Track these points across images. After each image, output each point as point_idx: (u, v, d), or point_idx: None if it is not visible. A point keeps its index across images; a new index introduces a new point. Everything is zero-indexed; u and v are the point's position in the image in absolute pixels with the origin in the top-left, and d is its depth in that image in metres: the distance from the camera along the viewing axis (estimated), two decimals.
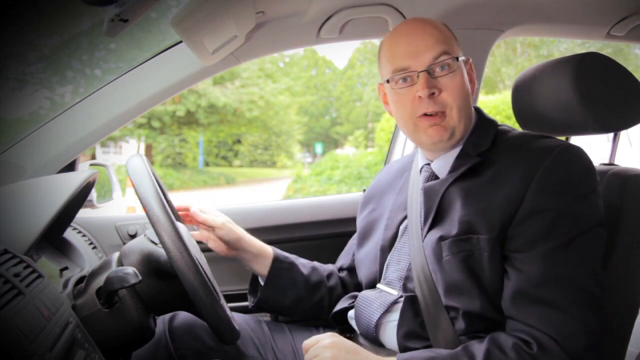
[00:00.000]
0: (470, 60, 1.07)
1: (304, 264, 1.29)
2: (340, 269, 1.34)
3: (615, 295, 0.97)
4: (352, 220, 1.70)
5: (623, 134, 1.20)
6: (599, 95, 1.04)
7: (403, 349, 1.00)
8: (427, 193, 1.04)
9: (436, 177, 1.06)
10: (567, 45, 13.27)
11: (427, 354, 0.90)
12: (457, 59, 1.00)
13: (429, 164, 1.08)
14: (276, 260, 1.24)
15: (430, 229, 1.01)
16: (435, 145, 1.02)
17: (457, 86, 0.99)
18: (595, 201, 0.91)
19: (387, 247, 1.12)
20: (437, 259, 0.96)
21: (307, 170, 15.57)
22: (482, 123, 1.06)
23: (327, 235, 1.76)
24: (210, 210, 1.25)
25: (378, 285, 1.11)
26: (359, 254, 1.22)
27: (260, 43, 1.43)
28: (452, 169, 1.03)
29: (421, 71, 0.98)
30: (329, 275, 1.30)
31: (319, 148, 22.67)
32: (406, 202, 1.12)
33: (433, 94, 0.98)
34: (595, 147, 1.03)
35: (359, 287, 1.23)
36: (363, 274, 1.18)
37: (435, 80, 0.98)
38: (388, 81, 1.03)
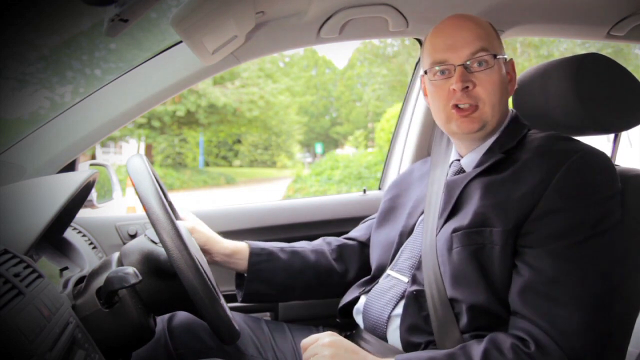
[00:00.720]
0: (512, 60, 1.08)
1: (284, 250, 1.28)
2: (350, 239, 1.36)
3: (615, 295, 0.97)
4: (352, 220, 1.70)
5: (623, 134, 1.20)
6: (600, 96, 1.04)
7: (406, 343, 1.01)
8: (449, 187, 1.06)
9: (463, 172, 1.08)
10: (567, 45, 13.26)
11: (425, 355, 0.90)
12: (495, 56, 1.01)
13: (458, 160, 1.11)
14: (253, 254, 1.24)
15: (445, 221, 1.02)
16: (465, 135, 1.04)
17: (493, 82, 1.01)
18: (613, 207, 0.92)
19: (406, 234, 1.15)
20: (448, 250, 0.98)
21: (307, 170, 15.57)
22: (515, 125, 1.07)
23: (327, 235, 1.76)
24: (183, 213, 1.25)
25: (388, 271, 1.13)
26: (376, 236, 1.24)
27: (260, 43, 1.43)
28: (477, 165, 1.05)
29: (458, 65, 1.00)
30: (315, 254, 1.30)
31: (319, 148, 22.68)
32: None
33: (467, 87, 1.00)
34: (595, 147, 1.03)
35: (358, 260, 1.29)
36: (376, 256, 1.20)
37: (471, 75, 1.01)
38: (426, 72, 1.06)
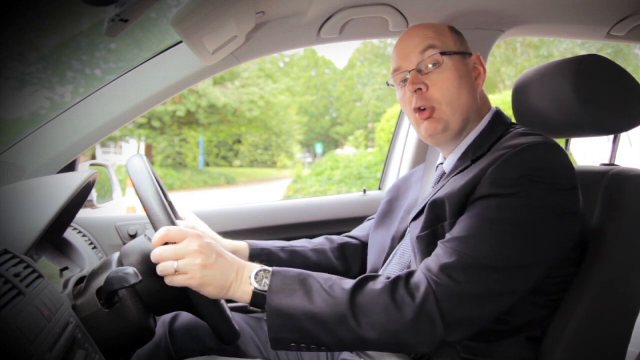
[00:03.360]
0: (477, 54, 1.08)
1: (285, 249, 1.28)
2: (352, 237, 1.37)
3: (614, 295, 0.97)
4: (352, 220, 1.70)
5: (623, 134, 1.20)
6: (599, 97, 1.04)
7: None
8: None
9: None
10: (567, 45, 13.26)
11: (299, 271, 0.90)
12: (445, 53, 1.02)
13: (442, 163, 1.11)
14: (252, 254, 1.24)
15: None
16: (432, 137, 1.05)
17: (446, 80, 1.02)
18: (556, 199, 0.87)
19: (397, 238, 1.15)
20: (420, 253, 0.98)
21: (307, 170, 15.56)
22: (494, 124, 1.05)
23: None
24: (183, 213, 1.25)
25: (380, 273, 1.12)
26: (372, 238, 1.25)
27: (260, 43, 1.43)
28: (452, 169, 1.04)
29: (411, 70, 1.03)
30: (316, 253, 1.30)
31: (319, 148, 22.67)
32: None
33: (420, 89, 1.02)
34: (596, 147, 1.03)
35: (360, 259, 1.30)
36: (371, 258, 1.21)
37: (424, 77, 1.02)
38: (389, 84, 1.11)
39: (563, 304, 0.96)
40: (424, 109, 1.03)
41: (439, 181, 1.08)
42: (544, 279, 0.92)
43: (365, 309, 0.84)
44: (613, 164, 1.14)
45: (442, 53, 1.02)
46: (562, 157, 0.91)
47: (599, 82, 1.04)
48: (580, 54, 1.09)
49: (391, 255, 1.14)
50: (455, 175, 1.00)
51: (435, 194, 0.99)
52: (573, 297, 0.96)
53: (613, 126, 1.07)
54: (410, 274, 0.88)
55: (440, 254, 0.88)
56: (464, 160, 1.02)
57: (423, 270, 0.88)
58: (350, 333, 0.83)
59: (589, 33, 1.64)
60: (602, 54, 1.08)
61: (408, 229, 1.11)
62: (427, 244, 0.96)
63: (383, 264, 1.14)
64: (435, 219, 0.96)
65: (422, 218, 0.99)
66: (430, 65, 1.02)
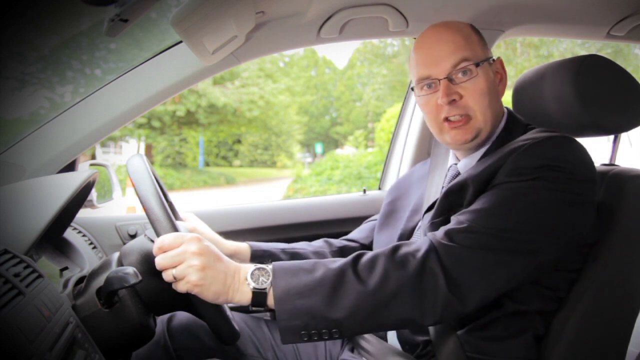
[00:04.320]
0: (500, 59, 1.08)
1: (286, 251, 1.27)
2: (351, 240, 1.36)
3: (614, 295, 0.97)
4: (352, 220, 1.70)
5: (623, 134, 1.20)
6: (600, 97, 1.04)
7: (404, 342, 1.02)
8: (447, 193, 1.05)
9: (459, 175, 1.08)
10: (567, 45, 13.25)
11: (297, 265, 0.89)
12: (478, 64, 1.00)
13: (456, 164, 1.11)
14: (254, 256, 1.23)
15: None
16: (459, 145, 1.05)
17: (479, 90, 1.00)
18: (573, 188, 0.88)
19: (405, 237, 1.15)
20: None
21: (307, 170, 15.56)
22: (510, 126, 1.06)
23: (327, 235, 1.76)
24: (184, 214, 1.25)
25: None
26: (377, 238, 1.25)
27: (260, 43, 1.43)
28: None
29: (442, 78, 1.00)
30: (316, 255, 1.29)
31: (319, 148, 22.66)
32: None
33: (454, 100, 1.00)
34: (596, 147, 1.03)
35: None
36: None
37: (456, 87, 1.00)
38: (413, 89, 1.08)
39: (563, 303, 0.96)
40: (455, 118, 1.01)
41: (453, 180, 1.08)
42: (552, 272, 0.92)
43: (367, 269, 0.84)
44: (613, 164, 1.14)
45: (476, 65, 1.00)
46: (581, 151, 0.93)
47: (600, 82, 1.04)
48: (580, 54, 1.09)
49: None
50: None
51: (450, 184, 1.00)
52: (573, 296, 0.96)
53: (613, 126, 1.07)
54: (412, 242, 0.89)
55: (450, 224, 0.90)
56: (484, 162, 1.01)
57: (428, 236, 0.89)
58: (354, 293, 0.82)
59: (589, 33, 1.64)
60: (602, 54, 1.08)
61: (419, 223, 1.12)
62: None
63: None
64: (449, 206, 0.97)
65: (435, 206, 1.01)
66: (461, 75, 1.00)
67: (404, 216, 1.20)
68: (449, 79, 1.00)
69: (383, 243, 1.21)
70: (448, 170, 1.13)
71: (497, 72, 1.06)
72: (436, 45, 1.03)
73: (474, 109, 1.00)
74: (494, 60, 1.06)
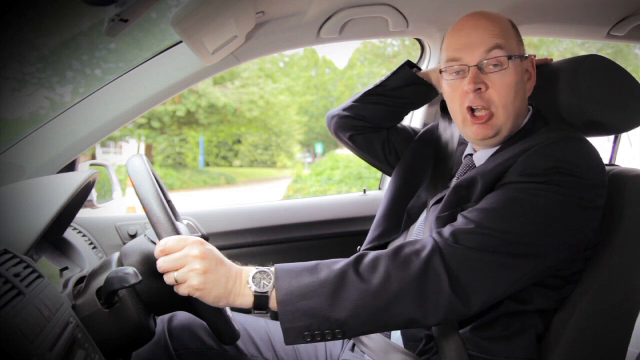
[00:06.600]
0: (532, 57, 1.07)
1: None
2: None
3: (615, 295, 0.97)
4: (352, 220, 1.70)
5: (623, 134, 1.20)
6: (600, 97, 1.04)
7: (406, 338, 1.02)
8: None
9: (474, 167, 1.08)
10: (567, 45, 13.24)
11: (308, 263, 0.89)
12: (510, 57, 0.99)
13: (471, 155, 1.10)
14: None
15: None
16: (480, 141, 1.04)
17: (507, 84, 0.99)
18: (582, 193, 0.88)
19: (413, 214, 1.16)
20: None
21: (307, 170, 15.56)
22: (531, 124, 1.05)
23: (327, 235, 1.76)
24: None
25: None
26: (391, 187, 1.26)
27: (260, 43, 1.43)
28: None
29: (472, 65, 0.99)
30: None
31: (319, 148, 22.64)
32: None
33: (480, 89, 0.99)
34: (595, 147, 1.03)
35: None
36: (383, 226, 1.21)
37: (484, 76, 0.99)
38: (442, 71, 1.05)
39: (564, 303, 0.96)
40: (479, 113, 1.00)
41: (466, 172, 1.07)
42: (554, 272, 0.92)
43: (370, 269, 0.84)
44: (613, 164, 1.14)
45: (509, 57, 0.99)
46: (594, 154, 0.92)
47: (600, 82, 1.04)
48: (580, 54, 1.08)
49: (408, 236, 1.15)
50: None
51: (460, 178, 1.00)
52: (574, 296, 0.96)
53: (614, 127, 1.07)
54: (415, 241, 0.88)
55: (456, 223, 0.89)
56: (494, 158, 1.01)
57: (432, 235, 0.88)
58: (357, 294, 0.82)
59: (589, 33, 1.64)
60: (602, 54, 1.08)
61: (425, 213, 1.13)
62: (445, 225, 0.95)
63: (392, 236, 1.16)
64: (457, 201, 0.97)
65: (443, 201, 1.00)
66: (491, 66, 0.99)
67: (414, 190, 1.20)
68: (479, 67, 0.99)
69: (389, 212, 1.22)
70: (464, 159, 1.12)
71: (526, 70, 1.05)
72: (472, 31, 1.01)
73: (497, 104, 0.99)
74: (526, 57, 1.05)
